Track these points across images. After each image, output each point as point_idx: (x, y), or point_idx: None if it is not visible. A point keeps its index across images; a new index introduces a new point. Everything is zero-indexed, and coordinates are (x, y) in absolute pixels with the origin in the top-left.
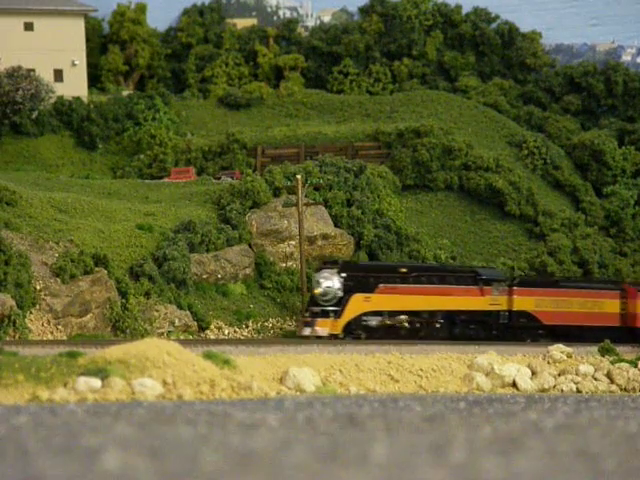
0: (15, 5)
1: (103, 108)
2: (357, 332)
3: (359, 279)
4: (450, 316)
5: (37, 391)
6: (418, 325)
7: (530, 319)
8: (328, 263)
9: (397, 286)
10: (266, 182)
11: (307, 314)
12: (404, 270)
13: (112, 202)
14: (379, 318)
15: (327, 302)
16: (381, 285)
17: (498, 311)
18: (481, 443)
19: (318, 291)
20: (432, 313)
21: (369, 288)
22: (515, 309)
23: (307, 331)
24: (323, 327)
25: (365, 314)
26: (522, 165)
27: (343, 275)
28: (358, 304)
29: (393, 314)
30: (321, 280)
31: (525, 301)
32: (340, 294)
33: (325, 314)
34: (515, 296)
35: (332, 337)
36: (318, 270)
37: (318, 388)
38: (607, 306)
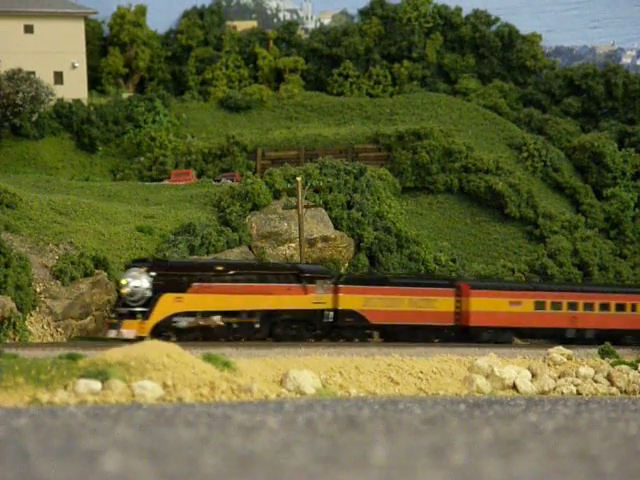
0: (15, 8)
1: (103, 110)
2: (167, 334)
3: (170, 278)
4: (270, 316)
5: (37, 393)
6: (235, 326)
7: (357, 318)
8: (138, 261)
9: (212, 285)
10: (266, 184)
11: (113, 315)
12: (220, 268)
13: (112, 204)
14: (191, 319)
15: (135, 303)
16: (195, 284)
17: (322, 310)
18: (481, 445)
19: (125, 291)
20: (250, 313)
21: (181, 288)
22: (341, 308)
23: (113, 333)
24: (129, 329)
25: (177, 315)
26: (522, 167)
27: (152, 274)
28: (168, 304)
29: (207, 314)
30: (129, 279)
31: (352, 300)
32: (149, 294)
33: (132, 315)
34: (341, 294)
35: (139, 339)
36: (126, 268)
37: (318, 390)
38: (440, 304)
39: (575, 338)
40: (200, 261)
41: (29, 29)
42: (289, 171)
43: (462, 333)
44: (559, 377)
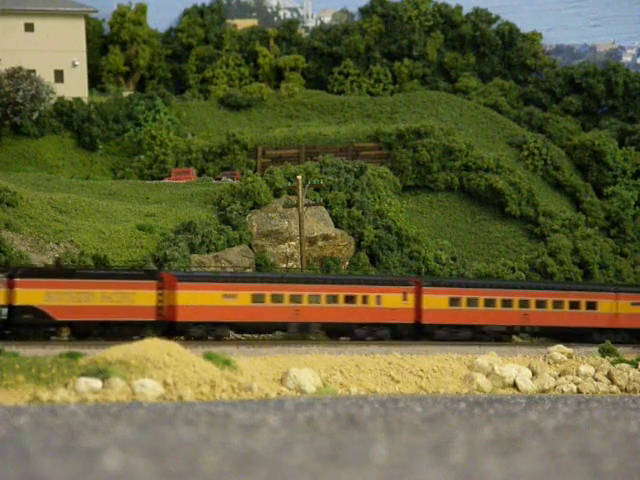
0: (16, 6)
1: (103, 109)
2: None
3: None
4: None
5: (38, 392)
6: None
7: (38, 315)
8: None
9: None
10: (266, 183)
11: None
12: None
13: (112, 203)
14: None
15: None
16: None
17: None
18: (481, 444)
19: None
20: None
21: None
22: (18, 304)
23: None
24: None
25: None
26: (522, 166)
27: None
28: None
29: None
30: None
31: (31, 294)
32: None
33: None
34: (17, 289)
35: None
36: None
37: (318, 389)
38: (140, 298)
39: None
40: None
41: (30, 27)
42: (289, 169)
43: (169, 329)
44: (559, 375)
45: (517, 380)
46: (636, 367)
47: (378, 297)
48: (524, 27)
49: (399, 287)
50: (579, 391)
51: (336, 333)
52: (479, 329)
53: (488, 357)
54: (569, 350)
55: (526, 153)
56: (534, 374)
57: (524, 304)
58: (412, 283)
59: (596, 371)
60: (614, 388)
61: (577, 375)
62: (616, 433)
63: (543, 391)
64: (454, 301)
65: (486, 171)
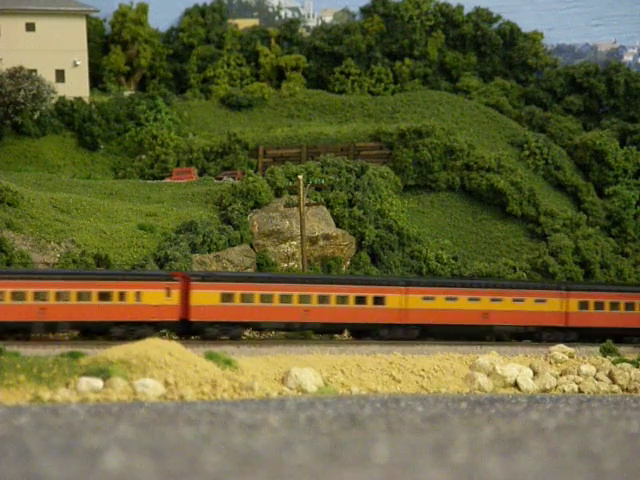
0: (17, 6)
1: (105, 108)
2: None
3: None
4: None
5: (39, 391)
6: None
7: None
8: None
9: None
10: (268, 182)
11: None
12: None
13: (114, 202)
14: None
15: None
16: None
17: None
18: (483, 443)
19: None
20: None
21: None
22: None
23: None
24: None
25: None
26: (524, 165)
27: None
28: None
29: None
30: None
31: None
32: None
33: None
34: None
35: None
36: None
37: (320, 388)
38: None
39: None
40: None
41: (31, 27)
42: (291, 169)
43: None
44: (561, 375)
45: (518, 380)
46: (637, 367)
47: (137, 293)
48: (525, 27)
49: (161, 282)
50: (580, 391)
51: (92, 332)
52: (256, 326)
53: (489, 357)
54: (570, 350)
55: (527, 153)
56: (535, 374)
57: (305, 299)
58: (177, 278)
59: (597, 371)
60: (615, 388)
61: (578, 375)
62: (617, 433)
63: (544, 391)
64: (227, 297)
65: (487, 171)
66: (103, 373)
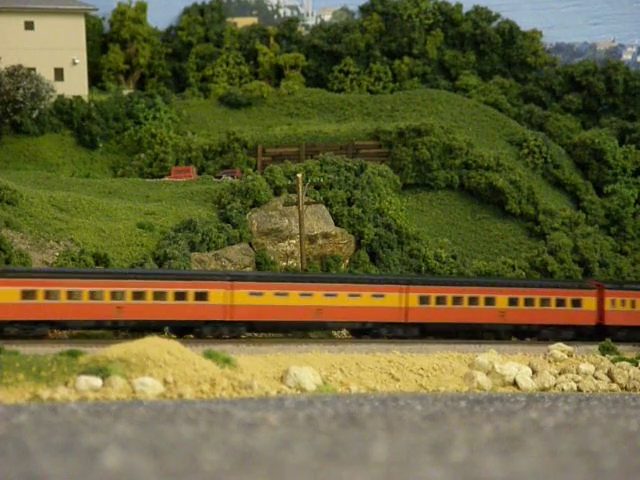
0: (16, 4)
1: (104, 107)
2: None
3: None
4: None
5: (38, 390)
6: None
7: None
8: None
9: None
10: (267, 181)
11: None
12: None
13: (113, 201)
14: None
15: None
16: None
17: None
18: (482, 442)
19: None
20: None
21: None
22: None
23: None
24: None
25: None
26: (523, 164)
27: None
28: None
29: None
30: None
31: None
32: None
33: None
34: None
35: None
36: None
37: (319, 387)
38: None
39: None
40: None
41: (29, 25)
42: (289, 168)
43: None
44: (560, 374)
45: (517, 378)
46: (636, 365)
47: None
48: (524, 25)
49: None
50: (579, 389)
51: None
52: (61, 325)
53: (488, 355)
54: (569, 348)
55: (526, 151)
56: (534, 372)
57: (118, 296)
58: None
59: (596, 369)
60: (614, 386)
61: (577, 373)
62: (616, 431)
63: (543, 389)
64: (27, 294)
65: (486, 169)
66: (102, 372)
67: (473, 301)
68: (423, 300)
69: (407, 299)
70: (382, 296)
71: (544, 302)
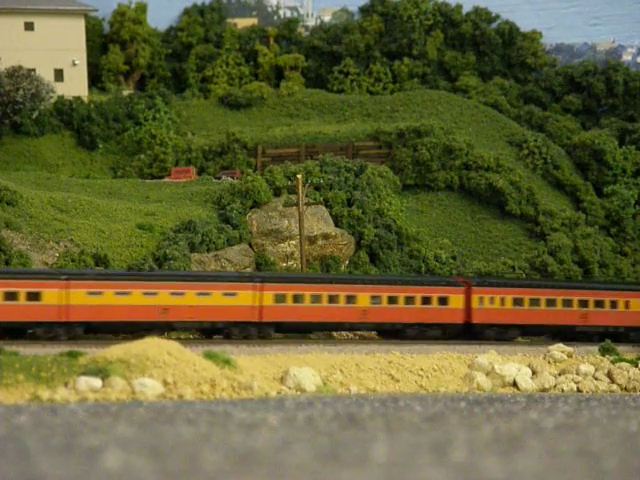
0: (15, 5)
1: (103, 108)
2: None
3: None
4: None
5: (38, 391)
6: None
7: None
8: None
9: None
10: (266, 182)
11: None
12: None
13: (112, 202)
14: None
15: None
16: None
17: None
18: (482, 443)
19: None
20: None
21: None
22: None
23: None
24: None
25: None
26: (522, 165)
27: None
28: None
29: None
30: None
31: None
32: None
33: None
34: None
35: None
36: None
37: (319, 388)
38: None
39: None
40: None
41: (29, 26)
42: (289, 168)
43: None
44: (559, 374)
45: (517, 379)
46: (636, 366)
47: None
48: (524, 26)
49: None
50: (579, 390)
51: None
52: None
53: (488, 356)
54: (569, 349)
55: (526, 152)
56: (534, 373)
57: None
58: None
59: (596, 370)
60: (614, 387)
61: (577, 374)
62: (616, 432)
63: (543, 390)
64: None
65: (486, 170)
66: (102, 372)
67: (333, 299)
68: (279, 298)
69: (261, 297)
70: (234, 294)
71: (409, 300)
